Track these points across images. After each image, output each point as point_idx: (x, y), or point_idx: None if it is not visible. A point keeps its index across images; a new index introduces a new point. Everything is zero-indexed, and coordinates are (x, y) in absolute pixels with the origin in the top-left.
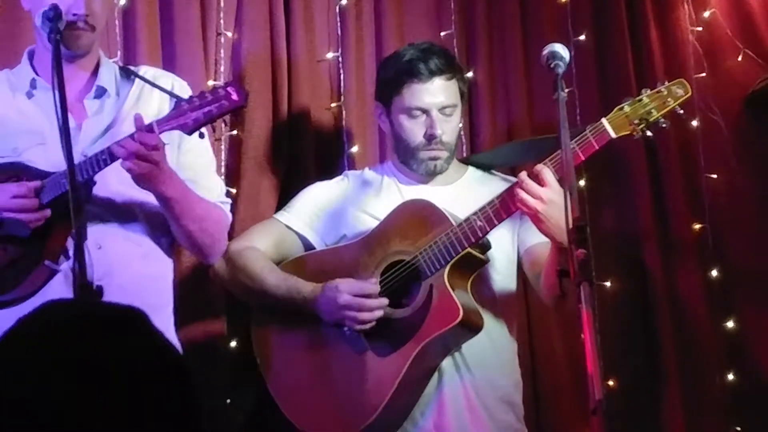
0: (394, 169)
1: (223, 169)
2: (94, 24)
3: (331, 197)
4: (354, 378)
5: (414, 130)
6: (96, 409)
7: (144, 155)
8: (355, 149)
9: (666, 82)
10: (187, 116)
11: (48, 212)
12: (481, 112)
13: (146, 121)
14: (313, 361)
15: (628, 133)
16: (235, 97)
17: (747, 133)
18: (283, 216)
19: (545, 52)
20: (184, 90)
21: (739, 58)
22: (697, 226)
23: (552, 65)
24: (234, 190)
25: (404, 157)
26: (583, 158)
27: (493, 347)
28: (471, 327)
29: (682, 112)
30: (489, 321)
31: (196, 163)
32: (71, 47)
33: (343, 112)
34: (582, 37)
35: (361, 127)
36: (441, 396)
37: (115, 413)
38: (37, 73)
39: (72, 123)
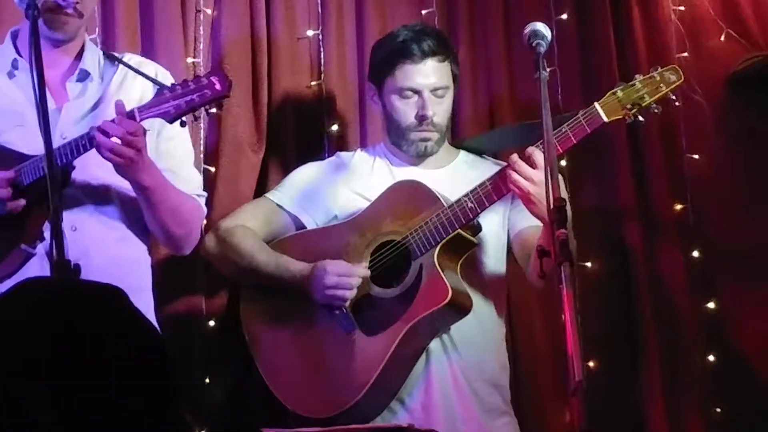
0: (386, 150)
1: (202, 148)
2: (82, 11)
3: (322, 177)
4: (342, 357)
5: (405, 110)
6: (74, 384)
7: (126, 141)
8: (335, 128)
9: (659, 68)
10: (168, 104)
11: (22, 202)
12: (463, 91)
13: (128, 108)
14: (302, 340)
15: (620, 117)
16: (218, 86)
17: (729, 113)
18: (275, 195)
19: (527, 30)
20: (167, 78)
21: (722, 38)
22: (678, 207)
23: (533, 44)
24: (213, 169)
25: (395, 138)
26: (575, 141)
27: (482, 330)
28: (459, 308)
29: (674, 98)
30: (478, 303)
31: (176, 152)
32: (57, 31)
33: (324, 91)
34: (564, 16)
35: (342, 105)
36: (428, 376)
37: (93, 388)
38: (19, 54)
39: (52, 105)
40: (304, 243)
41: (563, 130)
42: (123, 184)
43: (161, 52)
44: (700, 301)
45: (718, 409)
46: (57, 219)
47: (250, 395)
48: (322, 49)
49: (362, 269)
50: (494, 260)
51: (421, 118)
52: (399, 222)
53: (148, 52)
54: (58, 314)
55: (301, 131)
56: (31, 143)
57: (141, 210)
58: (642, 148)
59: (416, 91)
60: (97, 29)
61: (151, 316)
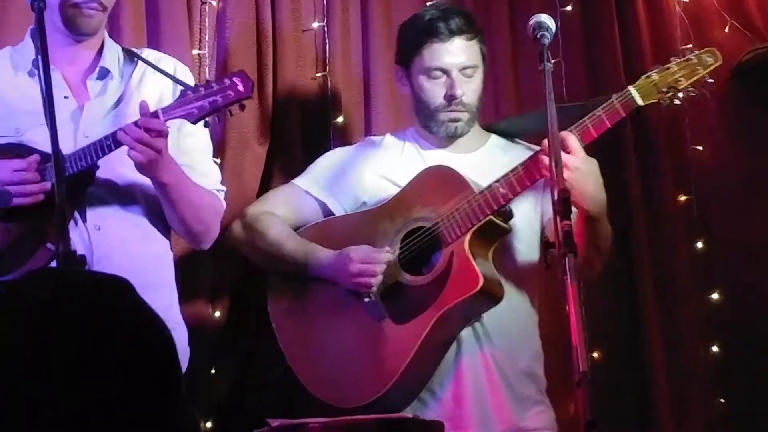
0: (416, 134)
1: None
2: (106, 4)
3: (350, 162)
4: (371, 346)
5: (434, 91)
6: (77, 377)
7: (148, 142)
8: (340, 119)
9: (696, 50)
10: (192, 105)
11: (48, 185)
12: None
13: (150, 107)
14: (330, 328)
15: (655, 101)
16: (241, 87)
17: (733, 105)
18: (302, 181)
19: (531, 22)
20: (185, 74)
21: (726, 30)
22: (682, 198)
23: (538, 36)
24: (218, 161)
25: (425, 120)
26: (609, 125)
27: (515, 318)
28: (491, 296)
29: (711, 81)
30: (510, 291)
31: (196, 148)
32: (82, 26)
33: (329, 82)
34: (568, 8)
35: (347, 97)
36: (460, 366)
37: (96, 381)
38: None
39: (74, 104)
40: (332, 230)
41: (597, 113)
42: (147, 181)
43: (167, 44)
44: (704, 292)
45: (722, 400)
46: (62, 211)
47: (255, 386)
48: (327, 41)
49: (387, 254)
50: (527, 247)
51: (450, 98)
52: (429, 208)
53: (153, 44)
54: (61, 306)
55: (306, 123)
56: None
57: (160, 209)
58: (647, 139)
59: (444, 71)
60: None
61: (175, 312)
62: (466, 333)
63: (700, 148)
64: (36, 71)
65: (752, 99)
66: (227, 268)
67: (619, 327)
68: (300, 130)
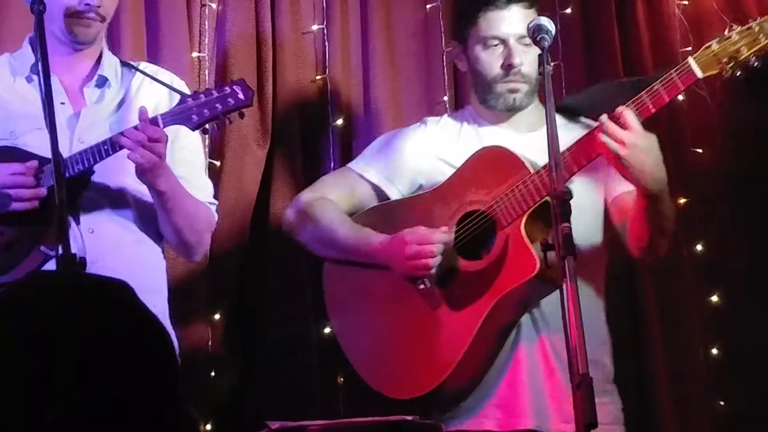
0: (474, 113)
1: (207, 142)
2: (105, 15)
3: (407, 145)
4: (428, 334)
5: (491, 61)
6: (78, 380)
7: (148, 147)
8: (339, 122)
9: (758, 18)
10: (192, 112)
11: (44, 191)
12: (466, 85)
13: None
14: (385, 317)
15: (715, 72)
16: (241, 96)
17: (733, 107)
18: (357, 165)
19: (531, 25)
20: (182, 87)
21: (726, 32)
22: (682, 201)
23: (538, 38)
24: (218, 163)
25: (482, 94)
26: (667, 100)
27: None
28: (549, 281)
29: None
30: None
31: (191, 160)
32: (80, 36)
33: (329, 85)
34: (568, 11)
35: (346, 99)
36: (517, 354)
37: (97, 383)
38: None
39: (70, 110)
40: (386, 214)
41: (655, 87)
42: (139, 188)
43: (166, 46)
44: (703, 294)
45: (722, 402)
46: (62, 214)
47: (255, 388)
48: (326, 44)
49: (444, 234)
50: (590, 229)
51: (508, 68)
52: (484, 191)
53: (153, 47)
54: (62, 308)
55: (306, 126)
56: (49, 147)
57: (155, 214)
58: None
59: (501, 40)
60: None
61: (166, 319)
62: (525, 319)
63: (700, 150)
64: (34, 77)
65: (752, 101)
66: (226, 270)
67: (619, 329)
68: (300, 132)
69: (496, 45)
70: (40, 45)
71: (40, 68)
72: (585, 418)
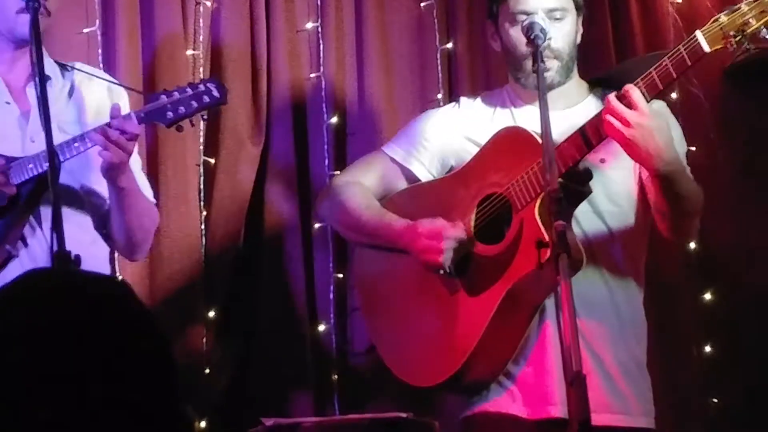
0: (510, 92)
1: (201, 140)
2: (50, 9)
3: (439, 126)
4: (447, 321)
5: (518, 37)
6: (74, 378)
7: (123, 144)
8: (334, 119)
9: None
10: (167, 109)
11: (13, 189)
12: (461, 84)
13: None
14: (409, 304)
15: (722, 46)
16: (216, 93)
17: (726, 105)
18: (389, 148)
19: (525, 23)
20: (120, 91)
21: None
22: None
23: (532, 37)
24: (212, 161)
25: (515, 72)
26: (675, 76)
27: (606, 286)
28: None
29: None
30: (602, 258)
31: (134, 158)
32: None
33: (323, 83)
34: None
35: (341, 97)
36: (543, 337)
37: (92, 382)
38: None
39: (17, 110)
40: (412, 198)
41: (663, 63)
42: (94, 189)
43: (161, 45)
44: (696, 292)
45: (715, 400)
46: (57, 211)
47: (250, 385)
48: (321, 42)
49: (456, 230)
50: (623, 210)
51: (534, 44)
52: (502, 172)
53: (148, 45)
54: (59, 306)
55: (301, 123)
56: (2, 143)
57: (106, 216)
58: None
59: (529, 14)
60: (97, 22)
61: None
62: (549, 301)
63: (693, 148)
64: None
65: (745, 99)
66: (221, 268)
67: None
68: (294, 130)
69: (523, 20)
70: (35, 44)
71: (35, 68)
72: (579, 415)
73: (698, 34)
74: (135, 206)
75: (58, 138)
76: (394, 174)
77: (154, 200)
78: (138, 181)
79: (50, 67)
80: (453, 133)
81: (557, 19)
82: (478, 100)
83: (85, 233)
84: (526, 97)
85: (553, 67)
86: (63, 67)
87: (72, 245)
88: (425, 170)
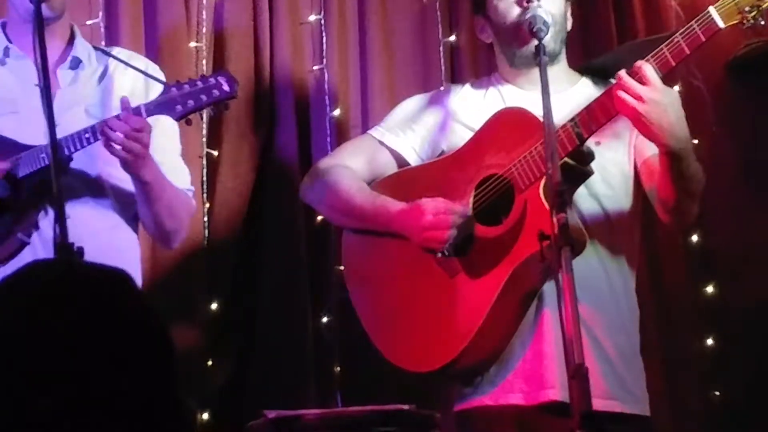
0: (499, 77)
1: (204, 132)
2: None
3: (428, 110)
4: (446, 305)
5: (506, 7)
6: (74, 367)
7: (132, 137)
8: (337, 112)
9: None
10: (176, 102)
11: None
12: (463, 76)
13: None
14: (404, 288)
15: (737, 22)
16: (226, 87)
17: (729, 98)
18: (377, 131)
19: (527, 16)
20: (157, 72)
21: None
22: None
23: (534, 30)
24: (215, 153)
25: (506, 48)
26: (688, 52)
27: (603, 270)
28: (572, 247)
29: None
30: (599, 241)
31: (167, 147)
32: (46, 10)
33: (326, 75)
34: None
35: (344, 90)
36: (541, 323)
37: (93, 371)
38: (10, 41)
39: None
40: (405, 181)
41: (675, 40)
42: (117, 175)
43: (164, 37)
44: (698, 285)
45: (717, 393)
46: (61, 203)
47: (252, 378)
48: (324, 34)
49: (461, 207)
50: (617, 193)
51: (527, 1)
52: (502, 153)
53: (151, 37)
54: (61, 297)
55: (304, 116)
56: (23, 131)
57: (131, 202)
58: None
59: None
60: (100, 14)
61: None
62: (548, 287)
63: (696, 141)
64: (7, 60)
65: (747, 93)
66: (223, 260)
67: None
68: (297, 122)
69: (527, 15)
70: (39, 36)
71: (38, 58)
72: (581, 407)
73: (711, 9)
74: (162, 197)
75: (82, 121)
76: (382, 158)
77: (191, 187)
78: (170, 168)
79: (84, 50)
80: (444, 118)
81: None
82: (467, 85)
83: (103, 220)
84: (516, 79)
85: (543, 30)
86: (101, 52)
87: (87, 233)
88: (415, 154)
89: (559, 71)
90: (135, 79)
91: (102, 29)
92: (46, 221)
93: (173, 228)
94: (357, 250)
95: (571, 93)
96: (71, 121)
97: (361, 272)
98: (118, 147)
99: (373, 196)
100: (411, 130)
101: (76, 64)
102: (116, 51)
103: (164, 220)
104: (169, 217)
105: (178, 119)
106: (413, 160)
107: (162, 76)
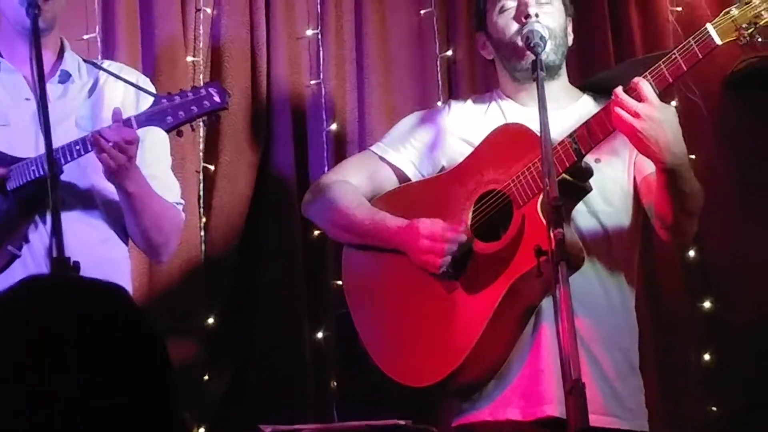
0: (501, 93)
1: (201, 146)
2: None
3: (428, 126)
4: (443, 319)
5: (506, 23)
6: (70, 382)
7: (121, 148)
8: (334, 127)
9: None
10: (167, 113)
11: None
12: (461, 91)
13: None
14: (402, 303)
15: (733, 39)
16: (217, 99)
17: (726, 114)
18: (378, 147)
19: (524, 31)
20: (147, 85)
21: None
22: None
23: (531, 45)
24: (212, 167)
25: (507, 63)
26: (685, 69)
27: (602, 287)
28: (569, 262)
29: None
30: (597, 258)
31: (159, 159)
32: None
33: (323, 90)
34: None
35: (341, 104)
36: (539, 338)
37: (89, 386)
38: (0, 55)
39: (35, 106)
40: (405, 197)
41: (673, 57)
42: (107, 187)
43: (161, 51)
44: (695, 300)
45: (714, 408)
46: (57, 216)
47: (249, 392)
48: (321, 49)
49: (458, 234)
50: (617, 210)
51: (525, 18)
52: (501, 169)
53: (148, 51)
54: (58, 311)
55: (300, 130)
56: (13, 143)
57: (121, 215)
58: None
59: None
60: (97, 27)
61: None
62: (546, 303)
63: (693, 156)
64: None
65: (745, 108)
66: (220, 274)
67: None
68: (294, 137)
69: (509, 7)
70: (35, 49)
71: (34, 71)
72: (577, 423)
73: (709, 27)
74: (148, 210)
75: (73, 134)
76: (383, 173)
77: (181, 200)
78: (161, 181)
79: (73, 64)
80: (445, 134)
81: (543, 3)
82: (469, 101)
83: (94, 233)
84: (517, 95)
85: (546, 48)
86: (90, 64)
87: (78, 246)
88: (414, 169)
89: (560, 87)
90: (126, 91)
91: (99, 43)
92: (36, 234)
93: (160, 241)
94: (357, 265)
95: (571, 109)
96: (61, 134)
97: (361, 287)
98: (105, 155)
99: (373, 212)
100: (411, 146)
101: (66, 77)
102: (106, 64)
103: (150, 232)
104: (156, 229)
105: (168, 130)
106: (413, 175)
107: (153, 89)
